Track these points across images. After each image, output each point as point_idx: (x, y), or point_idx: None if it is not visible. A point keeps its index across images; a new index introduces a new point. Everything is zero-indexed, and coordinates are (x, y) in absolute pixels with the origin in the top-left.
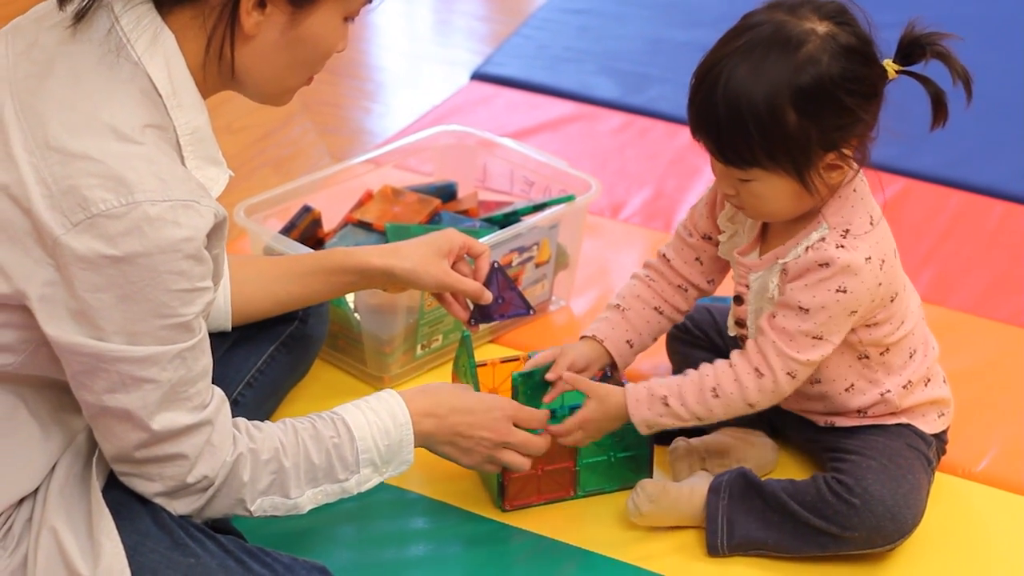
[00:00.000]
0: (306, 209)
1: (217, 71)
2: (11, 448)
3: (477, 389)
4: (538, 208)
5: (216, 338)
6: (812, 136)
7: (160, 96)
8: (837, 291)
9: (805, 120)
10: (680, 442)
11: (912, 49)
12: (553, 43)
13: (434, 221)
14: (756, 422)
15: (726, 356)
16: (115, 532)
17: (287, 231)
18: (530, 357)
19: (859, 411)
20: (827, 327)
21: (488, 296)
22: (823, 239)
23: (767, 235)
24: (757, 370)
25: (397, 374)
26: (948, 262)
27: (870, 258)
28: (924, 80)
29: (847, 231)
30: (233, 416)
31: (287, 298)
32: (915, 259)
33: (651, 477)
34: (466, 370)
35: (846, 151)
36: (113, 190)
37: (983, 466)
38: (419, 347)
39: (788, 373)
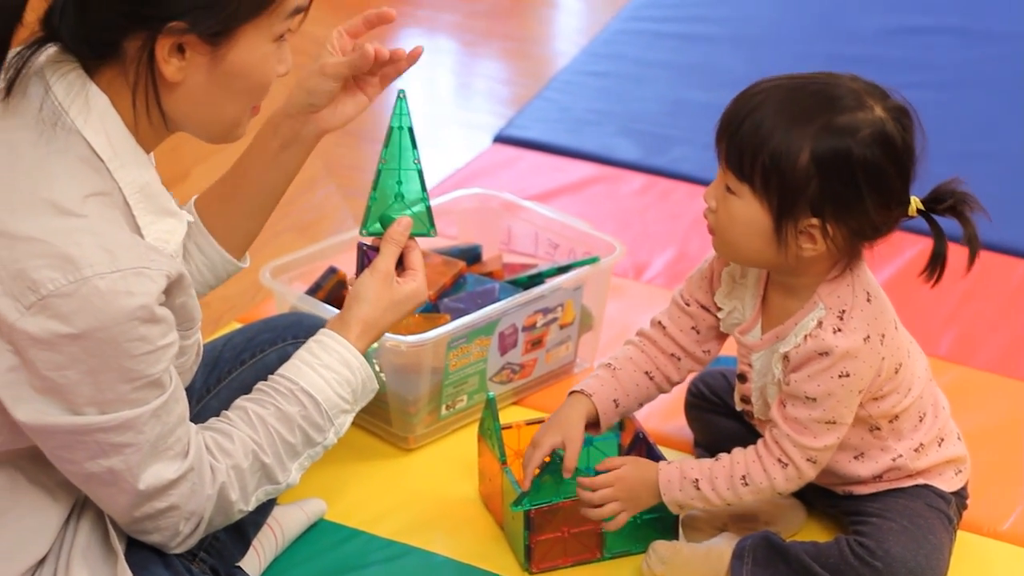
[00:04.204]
0: (332, 271)
1: (150, 123)
2: (16, 518)
3: (503, 452)
4: (563, 270)
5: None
6: (810, 188)
7: (102, 160)
8: (840, 376)
9: (813, 170)
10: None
11: (941, 197)
12: (575, 105)
13: (459, 283)
14: None
15: (743, 422)
16: None
17: (312, 292)
18: None
19: (874, 477)
20: (837, 411)
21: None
22: (820, 324)
23: (766, 310)
24: (780, 461)
25: (422, 434)
26: (972, 321)
27: (868, 337)
28: (936, 231)
29: (843, 312)
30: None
31: (268, 207)
32: (939, 319)
33: (677, 538)
34: (491, 432)
35: (829, 228)
36: (60, 268)
37: (1008, 524)
38: (444, 407)
39: (808, 460)
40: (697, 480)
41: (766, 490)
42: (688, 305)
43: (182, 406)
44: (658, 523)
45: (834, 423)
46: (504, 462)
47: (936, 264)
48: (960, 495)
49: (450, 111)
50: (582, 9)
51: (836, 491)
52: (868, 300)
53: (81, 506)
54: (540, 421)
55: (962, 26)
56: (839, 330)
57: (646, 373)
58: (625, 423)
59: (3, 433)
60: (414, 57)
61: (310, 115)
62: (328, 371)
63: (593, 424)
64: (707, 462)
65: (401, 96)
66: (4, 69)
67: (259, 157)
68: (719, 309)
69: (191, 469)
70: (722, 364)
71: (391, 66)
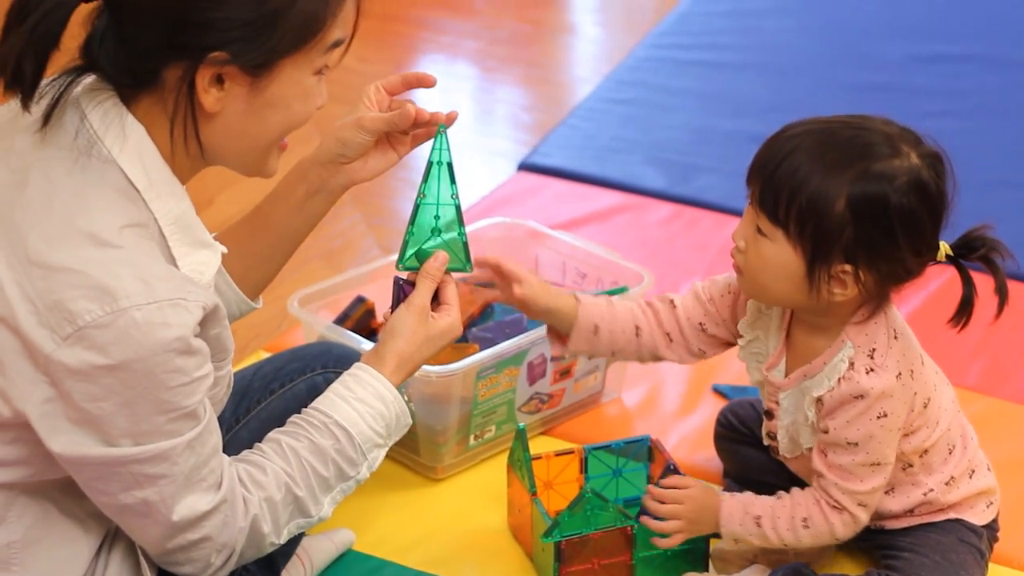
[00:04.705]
0: (360, 300)
1: (186, 153)
2: (48, 548)
3: (533, 483)
4: None
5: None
6: (844, 235)
7: (138, 190)
8: (878, 418)
9: (849, 217)
10: (728, 543)
11: (970, 243)
12: (600, 133)
13: (486, 313)
14: None
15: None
16: None
17: (340, 321)
18: (586, 451)
19: (906, 512)
20: (880, 452)
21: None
22: (851, 365)
23: (791, 347)
24: (835, 507)
25: (450, 464)
26: (999, 352)
27: (900, 374)
28: (965, 278)
29: (873, 350)
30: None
31: (287, 252)
32: (966, 350)
33: (707, 570)
34: (521, 463)
35: (861, 275)
36: (97, 299)
37: None
38: (472, 437)
39: (859, 504)
40: (759, 517)
41: (826, 535)
42: (709, 302)
43: (216, 437)
44: (688, 555)
45: (878, 464)
46: (534, 493)
47: (964, 311)
48: (991, 528)
49: (472, 138)
50: (601, 36)
51: (868, 525)
52: (895, 337)
53: (112, 537)
54: (569, 452)
55: (986, 54)
56: (871, 370)
57: (636, 327)
58: (655, 454)
59: (36, 463)
60: (450, 120)
61: (340, 165)
62: (362, 405)
63: (558, 337)
64: (769, 500)
65: (441, 131)
66: (39, 96)
67: (284, 202)
68: (740, 336)
69: (224, 501)
70: (750, 395)
71: (425, 128)
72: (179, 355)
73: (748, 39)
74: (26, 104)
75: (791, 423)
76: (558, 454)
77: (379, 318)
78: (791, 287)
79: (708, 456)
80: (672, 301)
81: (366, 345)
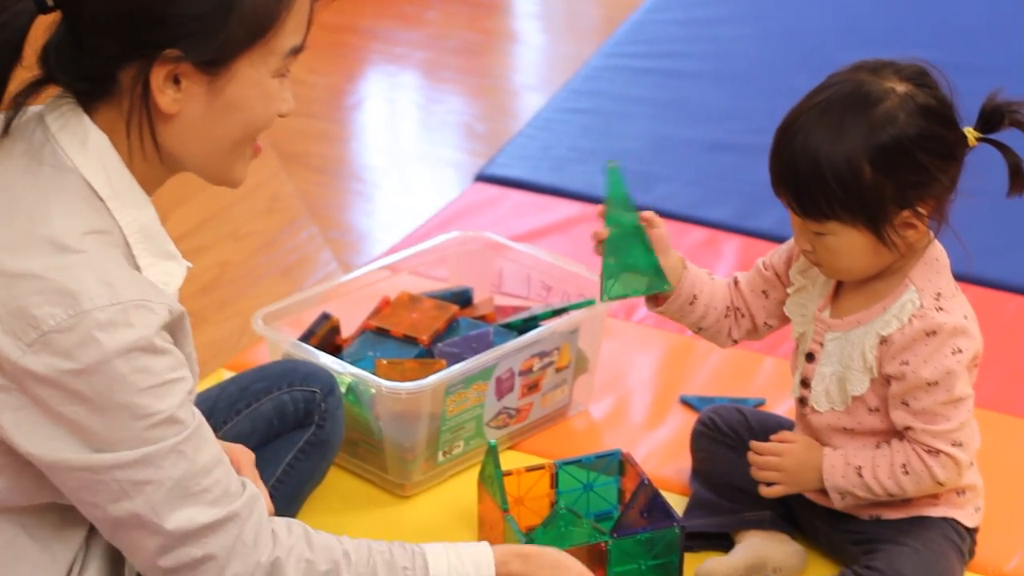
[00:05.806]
0: (324, 316)
1: (145, 159)
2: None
3: (504, 500)
4: (557, 312)
5: None
6: (887, 192)
7: (101, 199)
8: (953, 353)
9: (880, 176)
10: (712, 564)
11: (992, 116)
12: (557, 143)
13: (452, 327)
14: (778, 523)
15: (745, 456)
16: None
17: (306, 338)
18: (557, 466)
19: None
20: (959, 387)
21: None
22: (921, 305)
23: (840, 295)
24: (930, 452)
25: (419, 481)
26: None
27: (967, 316)
28: (1003, 148)
29: (938, 294)
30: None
31: None
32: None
33: None
34: (492, 480)
35: (921, 210)
36: (60, 304)
37: (1013, 565)
38: (440, 454)
39: (953, 444)
40: (860, 468)
41: (927, 480)
42: (766, 270)
43: (212, 450)
44: (661, 569)
45: (960, 399)
46: (506, 509)
47: (1017, 175)
48: (972, 536)
49: (424, 149)
50: (545, 43)
51: (860, 516)
52: (956, 291)
53: (81, 565)
54: (540, 467)
55: (944, 60)
56: (941, 309)
57: (727, 307)
58: (627, 468)
59: (4, 478)
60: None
61: None
62: (456, 558)
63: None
64: (870, 451)
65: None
66: (2, 109)
67: None
68: (791, 284)
69: (232, 517)
70: (717, 404)
71: None
72: (144, 354)
73: (704, 47)
74: None
75: (833, 372)
76: (529, 469)
77: (343, 334)
78: (872, 257)
79: (678, 468)
80: (736, 279)
81: (332, 363)
